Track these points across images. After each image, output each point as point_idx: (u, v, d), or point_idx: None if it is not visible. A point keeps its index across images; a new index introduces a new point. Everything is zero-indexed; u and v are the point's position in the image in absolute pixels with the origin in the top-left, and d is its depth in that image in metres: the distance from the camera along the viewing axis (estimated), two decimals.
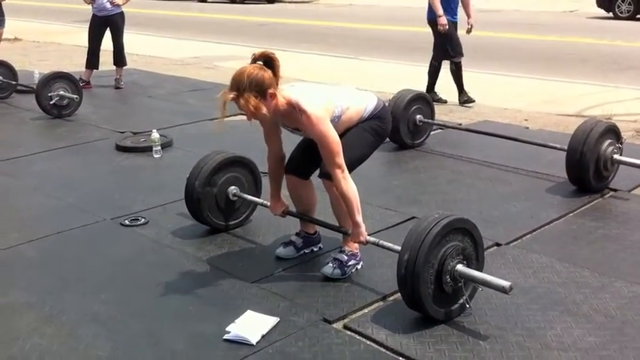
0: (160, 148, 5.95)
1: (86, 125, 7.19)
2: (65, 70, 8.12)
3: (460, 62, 7.98)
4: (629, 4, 16.78)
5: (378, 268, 3.70)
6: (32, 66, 10.53)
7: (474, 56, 11.68)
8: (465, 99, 8.06)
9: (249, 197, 4.28)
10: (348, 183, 3.38)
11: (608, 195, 4.92)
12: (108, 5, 8.82)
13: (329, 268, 3.61)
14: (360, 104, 3.63)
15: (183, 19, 20.88)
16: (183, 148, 6.20)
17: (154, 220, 4.49)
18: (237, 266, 3.79)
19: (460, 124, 6.89)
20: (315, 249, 3.96)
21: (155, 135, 5.96)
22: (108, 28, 9.06)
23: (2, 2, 8.95)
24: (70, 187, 5.22)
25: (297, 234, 3.95)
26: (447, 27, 7.70)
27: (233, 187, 4.24)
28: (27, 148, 6.33)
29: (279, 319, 3.18)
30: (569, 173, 4.92)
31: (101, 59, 9.23)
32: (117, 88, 9.23)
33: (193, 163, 4.26)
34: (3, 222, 4.55)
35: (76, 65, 9.98)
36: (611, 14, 17.45)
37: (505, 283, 3.01)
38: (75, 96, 7.49)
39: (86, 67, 9.21)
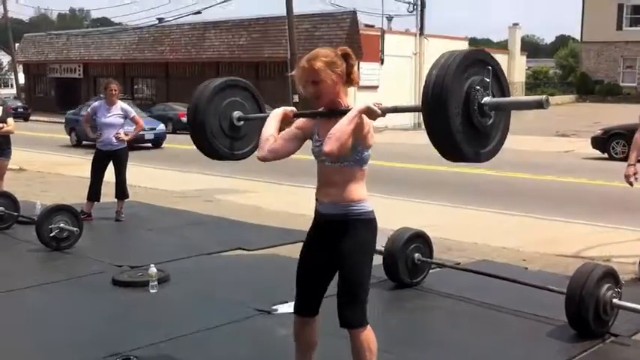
0: (156, 283, 5.90)
1: (84, 258, 7.16)
2: (67, 202, 8.20)
3: None
4: (624, 145, 17.16)
5: None
6: (35, 197, 10.64)
7: (472, 193, 11.89)
8: None
9: (254, 115, 4.30)
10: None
11: (609, 340, 4.83)
12: (114, 140, 9.00)
13: None
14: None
15: (193, 153, 21.32)
16: (179, 283, 6.14)
17: (146, 359, 4.38)
18: None
19: (458, 264, 6.87)
20: None
21: (152, 270, 5.92)
22: (111, 162, 9.22)
23: (10, 134, 9.21)
24: (62, 324, 5.13)
25: None
26: (632, 180, 6.36)
27: (237, 111, 4.26)
28: (21, 281, 6.25)
29: None
30: (568, 317, 4.86)
31: (103, 191, 9.33)
32: (117, 220, 9.27)
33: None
34: None
35: (78, 197, 10.07)
36: (606, 155, 17.85)
37: (540, 97, 2.93)
38: (75, 229, 7.52)
39: (87, 200, 9.29)
